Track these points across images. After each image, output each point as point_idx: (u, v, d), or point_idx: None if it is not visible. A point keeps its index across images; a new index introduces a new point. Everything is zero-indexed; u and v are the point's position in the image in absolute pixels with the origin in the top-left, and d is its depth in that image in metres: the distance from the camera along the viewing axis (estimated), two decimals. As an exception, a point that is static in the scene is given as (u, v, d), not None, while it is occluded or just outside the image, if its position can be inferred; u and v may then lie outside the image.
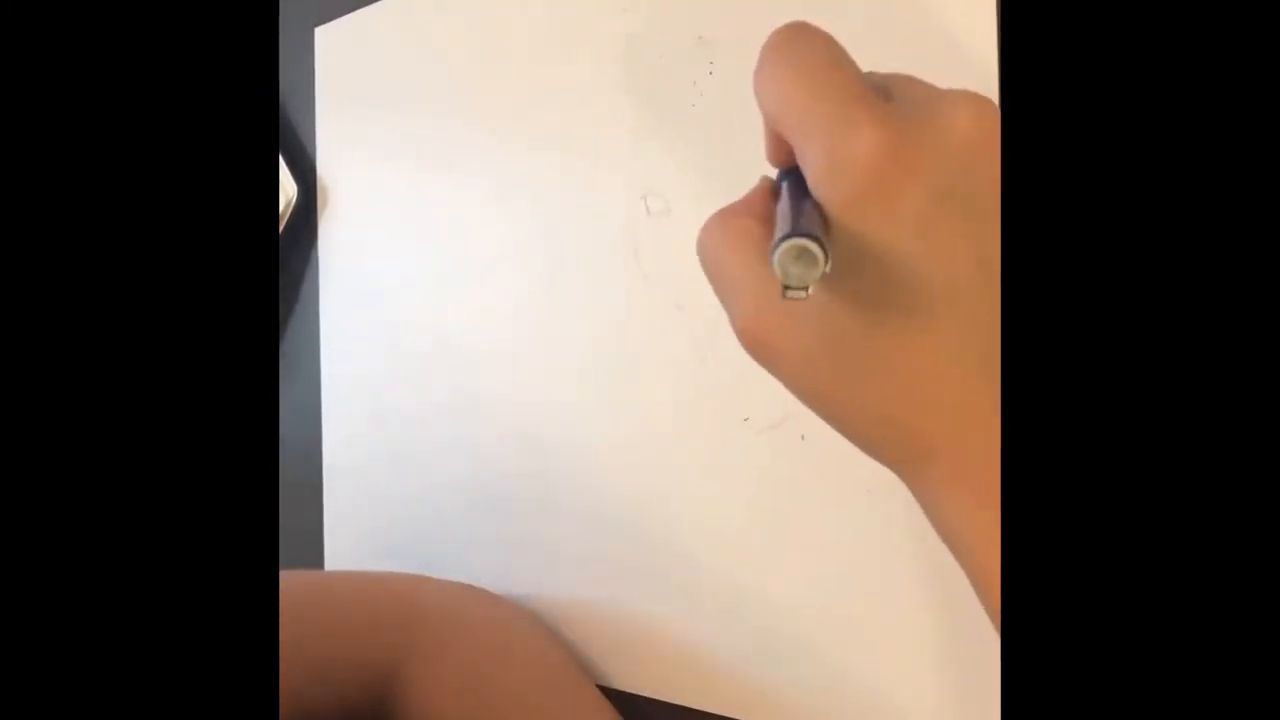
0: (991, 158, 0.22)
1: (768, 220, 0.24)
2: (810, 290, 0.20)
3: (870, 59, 0.24)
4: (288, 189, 0.54)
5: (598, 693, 0.39)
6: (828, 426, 0.25)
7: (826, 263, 0.20)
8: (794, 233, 0.20)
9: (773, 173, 0.27)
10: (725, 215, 0.25)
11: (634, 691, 0.39)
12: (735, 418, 0.36)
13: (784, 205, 0.23)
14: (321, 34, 0.54)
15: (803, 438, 0.34)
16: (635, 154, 0.39)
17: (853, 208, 0.21)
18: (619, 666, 0.40)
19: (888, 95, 0.23)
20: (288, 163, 0.54)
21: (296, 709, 0.34)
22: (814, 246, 0.20)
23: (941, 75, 0.24)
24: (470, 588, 0.43)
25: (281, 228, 0.54)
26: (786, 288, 0.20)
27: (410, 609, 0.40)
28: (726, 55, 0.36)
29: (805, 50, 0.23)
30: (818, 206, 0.22)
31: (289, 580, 0.36)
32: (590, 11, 0.40)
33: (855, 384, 0.23)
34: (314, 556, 0.54)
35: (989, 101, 0.22)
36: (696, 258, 0.37)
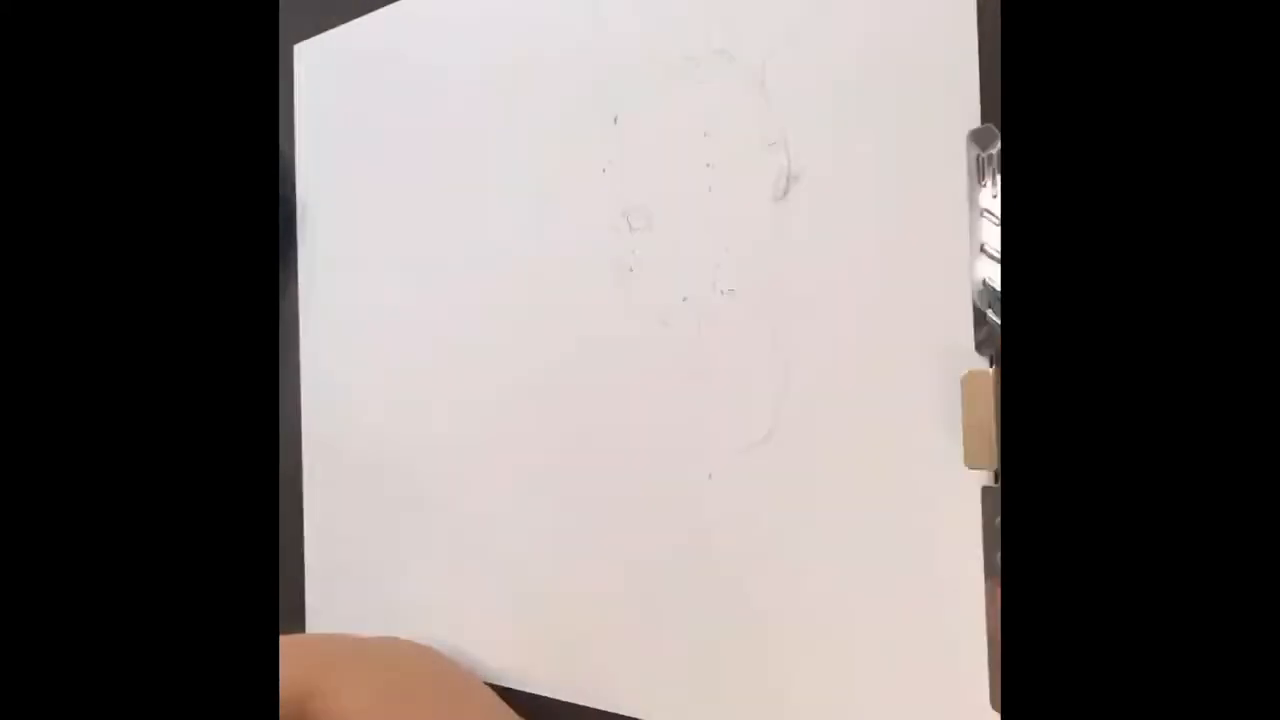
0: None
1: None
2: None
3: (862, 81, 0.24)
4: (267, 206, 0.53)
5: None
6: (818, 442, 0.24)
7: None
8: None
9: None
10: None
11: (618, 711, 0.39)
12: (722, 435, 0.36)
13: None
14: (301, 50, 0.54)
15: (793, 453, 0.34)
16: (617, 170, 0.39)
17: None
18: (611, 686, 0.40)
19: None
20: (267, 180, 0.54)
21: None
22: None
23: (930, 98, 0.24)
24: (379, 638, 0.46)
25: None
26: None
27: (316, 653, 0.42)
28: (714, 70, 0.36)
29: None
30: None
31: None
32: (570, 26, 0.41)
33: None
34: (294, 570, 0.54)
35: None
36: (675, 283, 0.37)
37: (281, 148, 0.55)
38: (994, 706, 0.29)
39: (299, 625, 0.54)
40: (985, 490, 0.29)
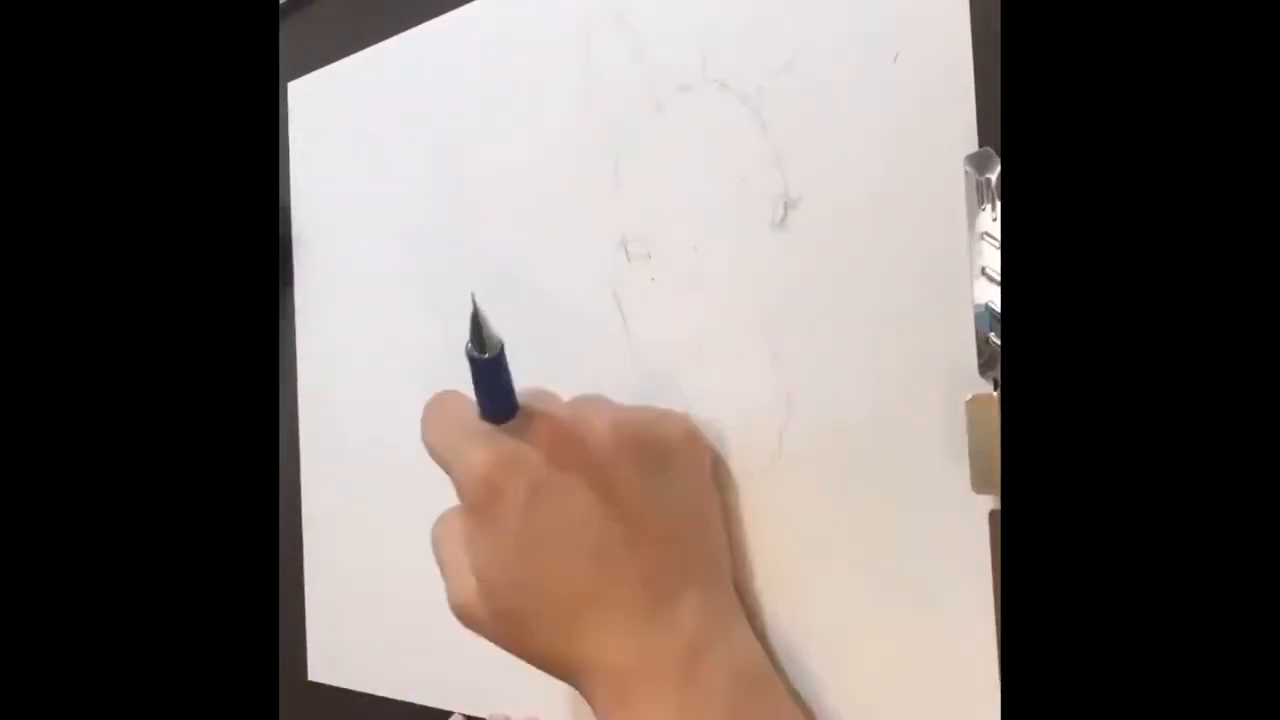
0: (569, 449, 0.31)
1: None
2: None
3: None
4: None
5: None
6: (822, 469, 0.25)
7: None
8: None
9: None
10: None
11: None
12: (726, 464, 0.36)
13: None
14: (295, 88, 0.54)
15: (797, 481, 0.34)
16: (615, 201, 0.39)
17: (482, 509, 0.31)
18: None
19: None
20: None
21: None
22: None
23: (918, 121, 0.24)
24: None
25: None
26: None
27: None
28: (709, 99, 0.36)
29: (440, 406, 0.35)
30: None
31: None
32: (563, 58, 0.41)
33: (529, 636, 0.32)
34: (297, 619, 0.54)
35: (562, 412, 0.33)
36: (675, 311, 0.37)
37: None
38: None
39: (300, 638, 0.53)
40: (993, 515, 0.29)
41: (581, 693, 0.31)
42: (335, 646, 0.52)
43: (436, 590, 0.46)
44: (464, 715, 0.45)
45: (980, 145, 0.29)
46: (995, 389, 0.29)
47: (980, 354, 0.29)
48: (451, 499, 0.46)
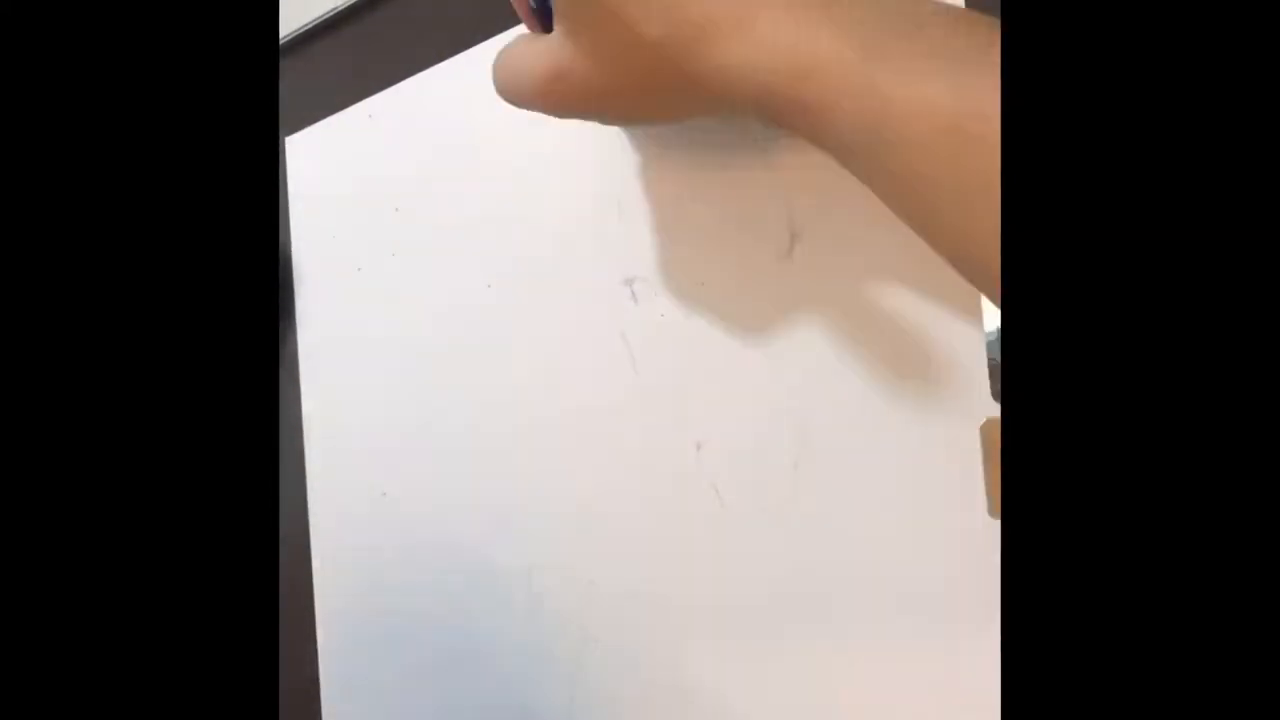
0: None
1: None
2: None
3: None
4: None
5: None
6: (840, 499, 0.25)
7: None
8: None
9: None
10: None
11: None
12: (743, 499, 0.35)
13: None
14: (293, 143, 0.54)
15: (815, 512, 0.34)
16: (618, 240, 0.39)
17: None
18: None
19: None
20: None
21: None
22: None
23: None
24: None
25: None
26: None
27: None
28: (711, 134, 0.37)
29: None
30: None
31: None
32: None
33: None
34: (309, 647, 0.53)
35: None
36: (687, 343, 0.37)
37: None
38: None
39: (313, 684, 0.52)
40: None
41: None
42: (351, 690, 0.51)
43: (454, 633, 0.45)
44: None
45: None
46: (1009, 412, 0.29)
47: (992, 378, 0.29)
48: (470, 563, 0.45)
